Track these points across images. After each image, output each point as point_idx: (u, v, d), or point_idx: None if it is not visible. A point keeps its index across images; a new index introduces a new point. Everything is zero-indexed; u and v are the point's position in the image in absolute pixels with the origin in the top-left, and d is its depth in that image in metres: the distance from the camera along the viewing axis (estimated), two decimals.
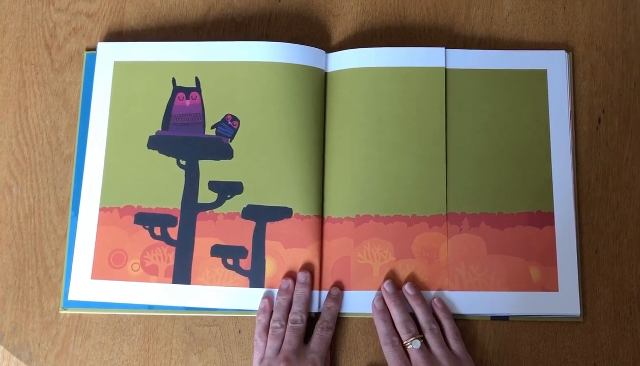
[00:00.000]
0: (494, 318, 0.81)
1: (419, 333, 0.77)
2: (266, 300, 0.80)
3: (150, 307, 0.82)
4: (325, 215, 0.82)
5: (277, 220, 0.82)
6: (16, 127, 0.87)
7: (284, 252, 0.81)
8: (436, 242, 0.81)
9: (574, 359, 0.80)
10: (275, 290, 0.81)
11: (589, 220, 0.83)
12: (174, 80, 0.86)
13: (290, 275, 0.81)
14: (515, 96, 0.85)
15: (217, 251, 0.81)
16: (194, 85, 0.86)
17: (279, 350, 0.77)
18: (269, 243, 0.81)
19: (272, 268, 0.81)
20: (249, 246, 0.81)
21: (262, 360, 0.77)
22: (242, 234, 0.82)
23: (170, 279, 0.81)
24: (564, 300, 0.80)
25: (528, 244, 0.81)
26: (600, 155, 0.85)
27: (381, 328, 0.78)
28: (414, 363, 0.76)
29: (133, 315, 0.82)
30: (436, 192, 0.82)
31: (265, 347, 0.78)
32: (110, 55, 0.87)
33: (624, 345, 0.80)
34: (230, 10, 0.90)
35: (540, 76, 0.85)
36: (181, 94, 0.86)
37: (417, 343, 0.76)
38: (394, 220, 0.82)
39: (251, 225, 0.82)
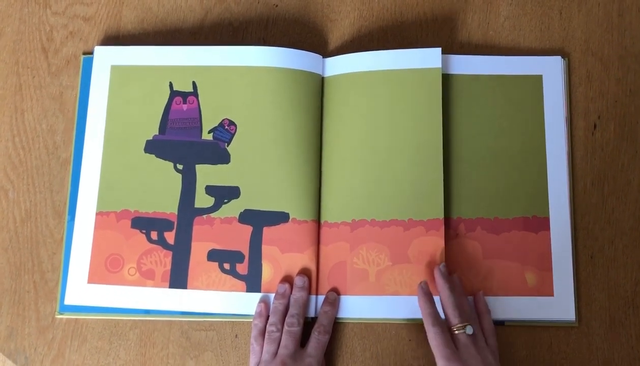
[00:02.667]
0: None
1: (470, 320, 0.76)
2: (262, 305, 0.80)
3: (147, 312, 0.82)
4: (322, 220, 0.82)
5: (274, 225, 0.82)
6: (12, 130, 0.87)
7: (281, 257, 0.81)
8: (433, 246, 0.81)
9: (570, 364, 0.80)
10: (272, 295, 0.81)
11: (585, 225, 0.83)
12: (171, 85, 0.86)
13: (287, 280, 0.81)
14: (511, 101, 0.85)
15: (214, 256, 0.81)
16: (191, 90, 0.86)
17: (276, 354, 0.77)
18: (265, 248, 0.81)
19: (269, 273, 0.81)
20: (245, 251, 0.81)
21: (258, 364, 0.77)
22: (239, 239, 0.82)
23: (167, 284, 0.81)
24: (559, 305, 0.80)
25: (524, 249, 0.81)
26: (595, 161, 0.85)
27: (427, 309, 0.76)
28: (464, 348, 0.74)
29: (129, 320, 0.82)
30: (433, 196, 0.82)
31: (262, 351, 0.78)
32: (108, 59, 0.87)
33: (619, 350, 0.80)
34: (228, 15, 0.90)
35: (535, 81, 0.86)
36: (178, 98, 0.86)
37: (470, 329, 0.74)
38: (389, 225, 0.82)
39: (248, 229, 0.82)
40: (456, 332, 0.75)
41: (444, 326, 0.75)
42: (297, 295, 0.80)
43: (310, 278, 0.81)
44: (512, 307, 0.80)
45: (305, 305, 0.80)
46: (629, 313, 0.81)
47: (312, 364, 0.76)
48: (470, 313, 0.77)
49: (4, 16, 0.91)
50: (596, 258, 0.82)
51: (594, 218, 0.83)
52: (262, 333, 0.79)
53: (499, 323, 0.81)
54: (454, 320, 0.75)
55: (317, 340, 0.78)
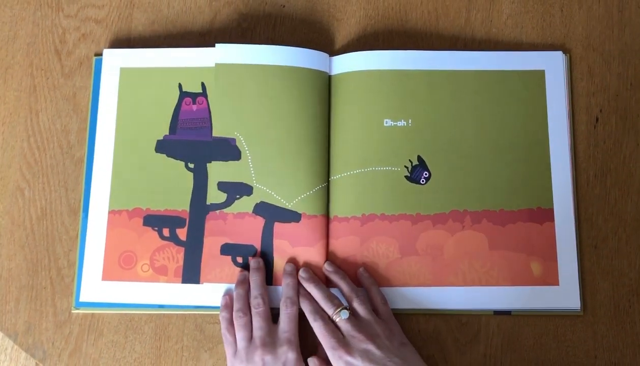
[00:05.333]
0: (497, 312, 0.82)
1: (343, 305, 0.79)
2: (227, 297, 0.82)
3: (161, 307, 0.83)
4: (332, 215, 0.84)
5: (286, 222, 0.83)
6: (27, 131, 0.89)
7: (292, 251, 0.83)
8: (439, 239, 0.83)
9: (575, 352, 0.82)
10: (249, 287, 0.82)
11: (588, 217, 0.85)
12: (180, 86, 0.88)
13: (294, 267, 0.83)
14: (515, 96, 0.87)
15: (227, 250, 0.83)
16: (200, 90, 0.88)
17: (250, 338, 0.78)
18: (277, 242, 0.83)
19: (280, 266, 0.83)
20: (257, 244, 0.83)
21: (236, 353, 0.78)
22: (251, 233, 0.83)
23: (180, 279, 0.83)
24: (564, 294, 0.82)
25: (529, 240, 0.83)
26: (598, 154, 0.87)
27: (307, 307, 0.79)
28: (346, 333, 0.76)
29: (144, 314, 0.84)
30: (439, 190, 0.84)
31: (236, 341, 0.79)
32: (117, 61, 0.89)
33: (623, 338, 0.82)
34: (236, 16, 0.92)
35: (538, 76, 0.87)
36: (188, 99, 0.87)
37: (345, 314, 0.77)
38: (398, 219, 0.84)
39: (260, 223, 0.83)
40: (336, 320, 0.77)
41: (325, 318, 0.78)
42: (255, 276, 0.81)
43: (318, 271, 0.82)
44: (518, 297, 0.82)
45: (265, 283, 0.81)
46: (633, 302, 0.83)
47: (290, 338, 0.77)
48: (350, 294, 0.79)
49: (18, 20, 0.92)
50: (600, 248, 0.84)
51: (597, 209, 0.85)
52: (232, 323, 0.80)
53: (506, 313, 0.82)
54: (329, 310, 0.78)
55: (286, 314, 0.79)
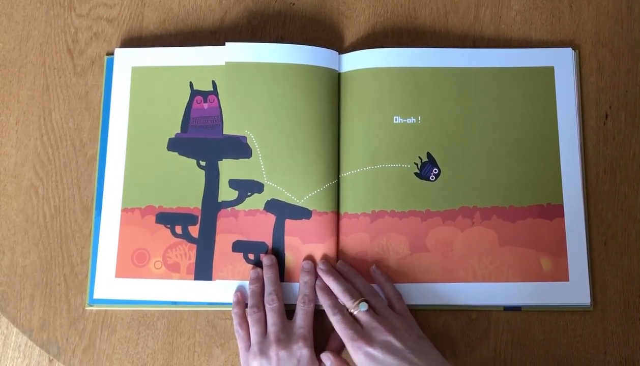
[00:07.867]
0: (507, 308, 0.83)
1: (361, 297, 0.79)
2: (239, 293, 0.82)
3: (174, 303, 0.84)
4: (342, 211, 0.85)
5: (297, 219, 0.84)
6: (41, 129, 0.90)
7: (303, 247, 0.83)
8: (449, 235, 0.83)
9: (585, 347, 0.82)
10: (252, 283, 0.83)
11: (598, 213, 0.85)
12: (191, 84, 0.88)
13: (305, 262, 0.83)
14: (524, 93, 0.87)
15: (239, 246, 0.84)
16: (211, 89, 0.88)
17: (264, 333, 0.78)
18: (288, 239, 0.84)
19: (292, 262, 0.83)
20: (269, 241, 0.84)
21: (249, 348, 0.79)
22: (262, 230, 0.84)
23: (192, 276, 0.84)
24: (574, 290, 0.82)
25: (539, 236, 0.83)
26: (607, 150, 0.87)
27: (326, 301, 0.80)
28: (366, 325, 0.76)
29: (157, 310, 0.85)
30: (449, 187, 0.85)
31: (249, 336, 0.79)
32: (128, 60, 0.90)
33: (633, 333, 0.82)
34: (247, 14, 0.93)
35: (547, 73, 0.88)
36: (199, 98, 0.88)
37: (364, 306, 0.77)
38: (408, 215, 0.84)
39: (271, 219, 0.84)
40: (354, 312, 0.78)
41: (344, 312, 0.78)
42: (268, 273, 0.82)
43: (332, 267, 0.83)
44: (528, 293, 0.82)
45: (278, 280, 0.82)
46: None
47: (305, 335, 0.77)
48: (364, 290, 0.80)
49: (31, 19, 0.93)
50: (609, 245, 0.84)
51: (606, 205, 0.85)
52: (244, 319, 0.81)
53: (516, 309, 0.83)
54: (348, 303, 0.78)
55: (304, 311, 0.79)
